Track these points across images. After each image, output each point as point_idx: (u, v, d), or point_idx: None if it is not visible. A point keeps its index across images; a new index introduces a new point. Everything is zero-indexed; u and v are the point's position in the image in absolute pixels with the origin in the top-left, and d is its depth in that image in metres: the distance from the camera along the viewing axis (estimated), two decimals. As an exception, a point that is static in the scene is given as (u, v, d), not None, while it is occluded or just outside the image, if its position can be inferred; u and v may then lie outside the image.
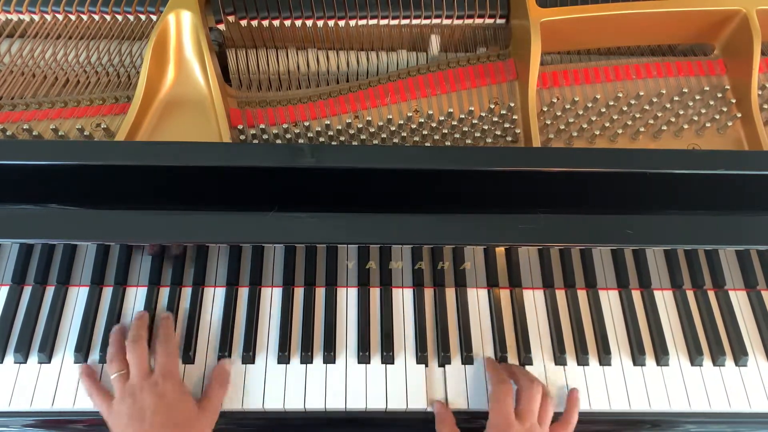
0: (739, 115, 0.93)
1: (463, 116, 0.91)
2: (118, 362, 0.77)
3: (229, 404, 0.79)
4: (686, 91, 0.94)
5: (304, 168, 0.74)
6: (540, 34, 0.89)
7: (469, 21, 0.98)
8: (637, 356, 0.84)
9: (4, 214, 0.73)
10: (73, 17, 0.95)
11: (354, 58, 0.99)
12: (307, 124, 0.90)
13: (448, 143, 0.89)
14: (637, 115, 0.93)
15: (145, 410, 0.72)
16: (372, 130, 0.90)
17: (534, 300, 0.89)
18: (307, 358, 0.82)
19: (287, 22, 0.95)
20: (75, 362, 0.82)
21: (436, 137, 0.90)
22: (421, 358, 0.83)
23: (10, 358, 0.82)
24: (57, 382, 0.80)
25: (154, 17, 0.95)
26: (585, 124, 0.92)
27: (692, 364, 0.85)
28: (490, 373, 0.81)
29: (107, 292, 0.87)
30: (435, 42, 0.99)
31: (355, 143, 0.89)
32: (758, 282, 0.89)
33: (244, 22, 0.94)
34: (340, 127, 0.89)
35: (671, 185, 0.78)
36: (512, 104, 0.93)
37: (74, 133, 0.86)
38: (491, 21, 0.98)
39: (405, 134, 0.90)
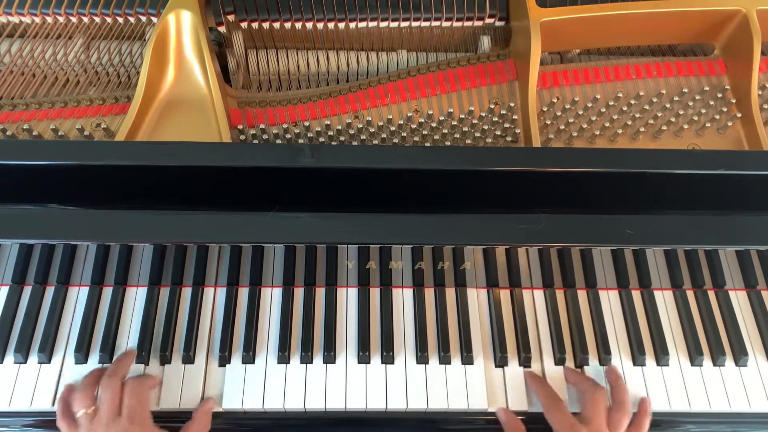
0: (739, 115, 0.93)
1: (463, 116, 0.91)
2: (87, 398, 0.73)
3: (230, 404, 0.79)
4: (686, 91, 0.94)
5: (304, 168, 0.74)
6: (540, 34, 0.89)
7: (469, 22, 0.98)
8: (637, 356, 0.84)
9: (4, 214, 0.73)
10: (74, 19, 0.95)
11: (354, 58, 0.99)
12: (307, 124, 0.90)
13: (448, 143, 0.89)
14: (637, 115, 0.93)
15: None
16: (372, 130, 0.90)
17: (534, 300, 0.89)
18: (307, 358, 0.82)
19: (287, 24, 0.95)
20: (75, 362, 0.82)
21: (436, 137, 0.90)
22: (421, 358, 0.83)
23: (10, 358, 0.82)
24: (57, 382, 0.80)
25: (154, 18, 0.95)
26: (585, 124, 0.92)
27: (692, 364, 0.85)
28: (538, 388, 0.80)
29: (107, 292, 0.87)
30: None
31: (355, 143, 0.89)
32: (758, 282, 0.89)
33: (244, 23, 0.94)
34: (340, 127, 0.89)
35: (671, 185, 0.78)
36: (512, 104, 0.93)
37: (74, 133, 0.86)
38: (491, 21, 0.98)
39: (405, 134, 0.90)
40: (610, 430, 0.74)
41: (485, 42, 1.00)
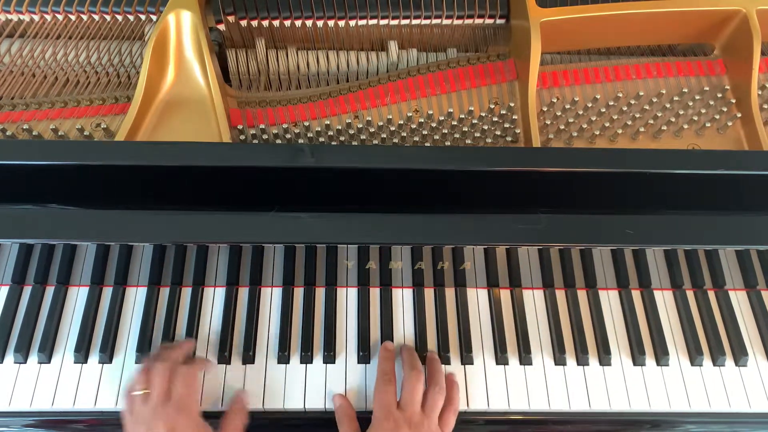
0: (739, 115, 0.93)
1: (463, 116, 0.91)
2: (143, 380, 0.73)
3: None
4: (686, 91, 0.94)
5: (304, 168, 0.74)
6: (540, 34, 0.89)
7: (469, 21, 0.98)
8: (637, 356, 0.84)
9: (4, 214, 0.73)
10: (73, 17, 0.95)
11: (354, 58, 0.99)
12: (307, 124, 0.90)
13: (448, 143, 0.89)
14: (637, 115, 0.93)
15: None
16: (372, 130, 0.90)
17: (534, 300, 0.89)
18: (307, 358, 0.82)
19: (287, 23, 0.95)
20: (75, 362, 0.82)
21: (436, 137, 0.90)
22: (422, 358, 0.83)
23: (10, 358, 0.82)
24: (57, 382, 0.80)
25: (154, 17, 0.95)
26: (585, 124, 0.92)
27: (692, 364, 0.85)
28: (379, 364, 0.81)
29: (107, 292, 0.87)
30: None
31: (355, 143, 0.89)
32: (758, 282, 0.89)
33: (244, 23, 0.94)
34: (340, 127, 0.89)
35: (671, 185, 0.78)
36: (512, 104, 0.93)
37: (74, 133, 0.86)
38: (491, 21, 0.98)
39: (405, 134, 0.90)
40: (426, 411, 0.75)
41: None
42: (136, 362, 0.82)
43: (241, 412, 0.77)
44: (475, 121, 0.90)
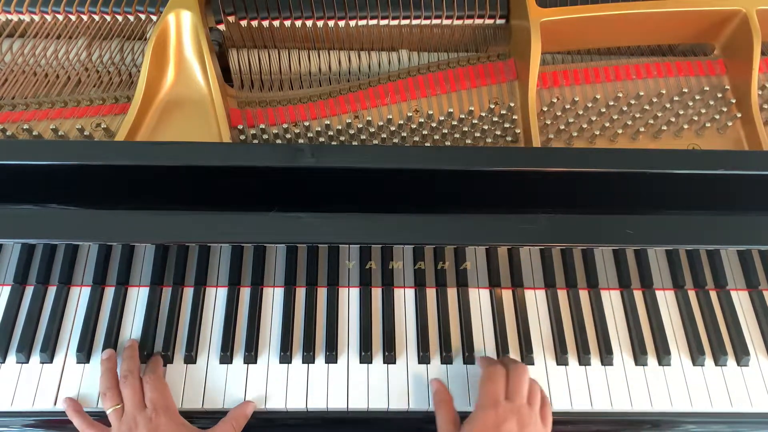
0: (739, 115, 0.93)
1: (463, 116, 0.91)
2: (111, 397, 0.76)
3: (231, 404, 0.79)
4: (686, 91, 0.94)
5: (304, 168, 0.74)
6: (540, 34, 0.89)
7: (469, 21, 0.98)
8: (639, 356, 0.84)
9: (4, 214, 0.73)
10: (73, 17, 0.95)
11: (354, 58, 0.99)
12: (307, 124, 0.90)
13: (448, 143, 0.89)
14: (637, 115, 0.93)
15: None
16: (372, 130, 0.90)
17: (536, 300, 0.89)
18: (309, 358, 0.82)
19: (287, 23, 0.95)
20: (77, 362, 0.82)
21: (436, 137, 0.90)
22: (423, 358, 0.83)
23: (12, 358, 0.82)
24: (59, 383, 0.80)
25: (154, 17, 0.95)
26: (585, 124, 0.92)
27: (694, 363, 0.85)
28: (480, 360, 0.81)
29: (109, 292, 0.87)
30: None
31: (355, 143, 0.89)
32: (760, 282, 0.89)
33: (244, 23, 0.94)
34: (340, 127, 0.89)
35: (671, 185, 0.78)
36: (512, 104, 0.93)
37: (74, 133, 0.86)
38: (491, 21, 0.98)
39: (405, 134, 0.90)
40: (530, 403, 0.74)
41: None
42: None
43: (235, 421, 0.77)
44: (475, 121, 0.90)
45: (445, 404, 0.77)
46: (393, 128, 0.91)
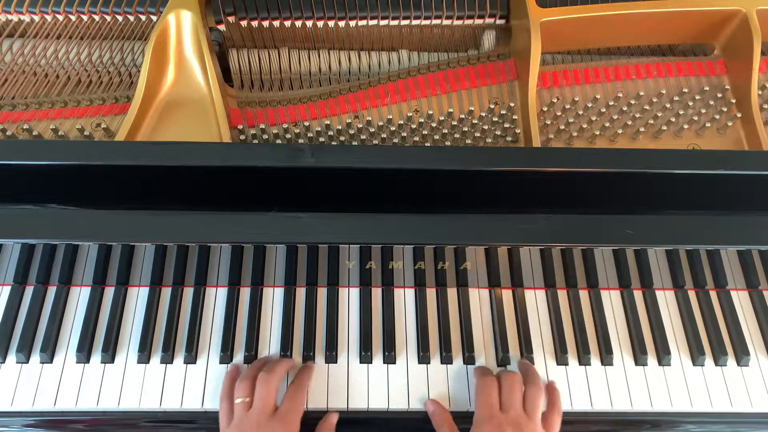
0: (739, 115, 0.93)
1: (463, 116, 0.91)
2: (246, 388, 0.75)
3: (230, 404, 0.79)
4: (686, 91, 0.94)
5: (304, 168, 0.74)
6: (540, 34, 0.89)
7: (469, 21, 0.98)
8: (639, 356, 0.84)
9: (4, 214, 0.73)
10: (73, 18, 0.95)
11: (354, 58, 0.99)
12: (307, 124, 0.90)
13: (448, 143, 0.89)
14: (637, 115, 0.93)
15: None
16: (372, 130, 0.90)
17: (536, 300, 0.89)
18: (309, 358, 0.83)
19: (287, 23, 0.95)
20: (77, 362, 0.82)
21: (436, 137, 0.90)
22: (423, 358, 0.83)
23: (12, 358, 0.82)
24: (59, 382, 0.80)
25: (154, 17, 0.95)
26: (585, 124, 0.92)
27: (694, 363, 0.85)
28: (474, 371, 0.81)
29: (109, 292, 0.87)
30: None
31: (355, 143, 0.89)
32: (760, 282, 0.89)
33: (244, 23, 0.94)
34: (340, 127, 0.89)
35: (671, 185, 0.78)
36: (512, 104, 0.93)
37: (74, 133, 0.86)
38: (491, 21, 0.98)
39: (405, 134, 0.90)
40: (528, 411, 0.75)
41: (487, 40, 0.99)
42: (138, 362, 0.82)
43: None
44: (475, 121, 0.90)
45: (447, 423, 0.77)
46: (393, 128, 0.91)
